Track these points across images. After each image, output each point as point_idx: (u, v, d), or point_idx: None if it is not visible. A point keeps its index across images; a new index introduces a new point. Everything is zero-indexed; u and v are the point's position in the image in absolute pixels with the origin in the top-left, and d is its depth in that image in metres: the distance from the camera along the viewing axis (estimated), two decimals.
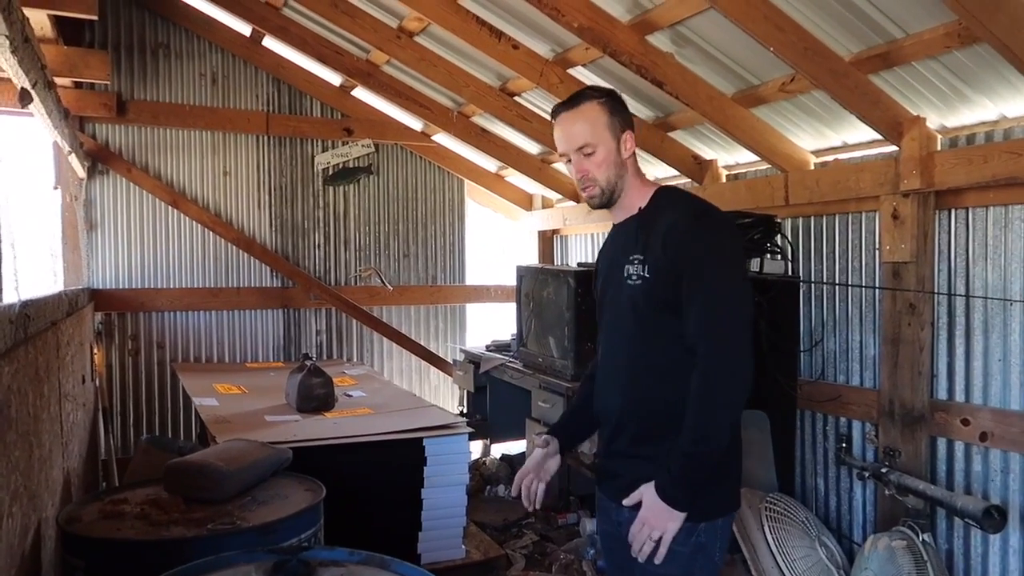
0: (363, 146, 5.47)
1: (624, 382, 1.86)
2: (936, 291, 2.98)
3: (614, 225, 1.95)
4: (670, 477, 1.70)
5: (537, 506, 1.97)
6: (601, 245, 2.08)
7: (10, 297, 1.97)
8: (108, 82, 4.38)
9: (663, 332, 1.77)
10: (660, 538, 1.70)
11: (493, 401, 5.01)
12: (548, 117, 4.42)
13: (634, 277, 1.79)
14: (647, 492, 1.73)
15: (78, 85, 4.51)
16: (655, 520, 1.70)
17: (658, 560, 1.71)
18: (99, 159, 4.78)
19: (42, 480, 2.08)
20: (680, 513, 1.69)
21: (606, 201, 1.86)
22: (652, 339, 1.80)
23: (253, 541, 1.99)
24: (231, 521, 2.12)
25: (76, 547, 2.01)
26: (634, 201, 1.86)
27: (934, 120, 2.95)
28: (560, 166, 5.29)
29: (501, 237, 6.39)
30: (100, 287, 4.78)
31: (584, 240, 5.62)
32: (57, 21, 3.66)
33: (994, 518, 2.48)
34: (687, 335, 1.71)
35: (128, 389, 4.87)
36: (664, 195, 1.87)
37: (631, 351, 1.84)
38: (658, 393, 1.79)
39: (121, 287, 4.85)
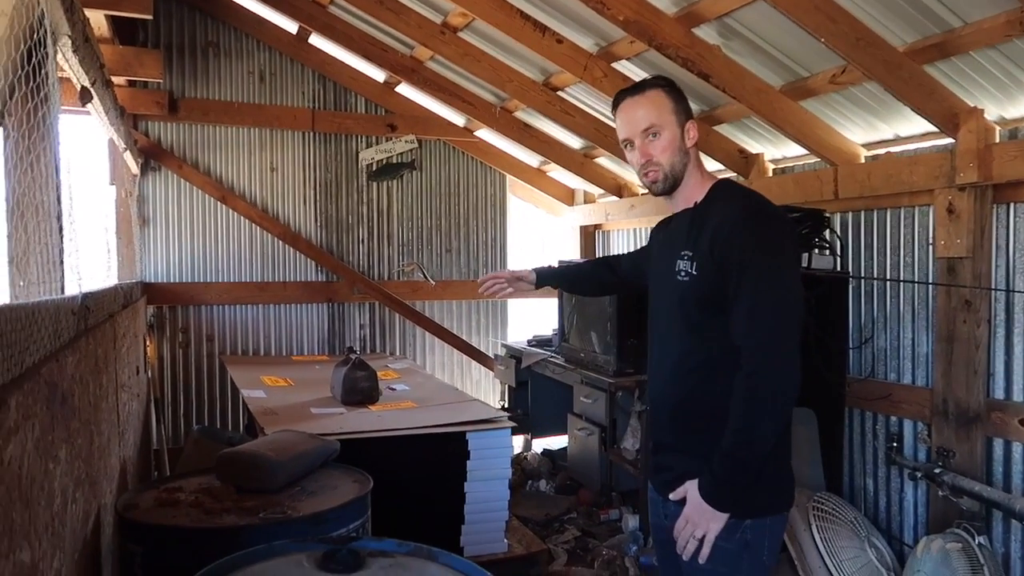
0: (406, 142, 5.52)
1: (671, 376, 1.85)
2: (994, 287, 2.90)
3: (675, 214, 1.94)
4: (712, 477, 1.68)
5: (486, 294, 2.46)
6: (646, 239, 2.08)
7: (72, 290, 2.03)
8: (161, 80, 4.49)
9: (710, 329, 1.75)
10: (704, 537, 1.69)
11: (535, 396, 5.03)
12: (591, 112, 4.43)
13: (682, 273, 1.78)
14: (691, 490, 1.72)
15: (132, 83, 4.62)
16: (698, 519, 1.70)
17: (702, 559, 1.71)
18: (152, 156, 4.91)
19: (101, 468, 2.14)
20: (722, 513, 1.68)
21: (669, 187, 1.84)
22: (699, 335, 1.78)
23: (303, 530, 2.02)
24: (282, 511, 2.16)
25: (134, 533, 2.07)
26: (692, 194, 1.85)
27: (992, 111, 2.86)
28: (603, 160, 5.26)
29: (543, 232, 6.38)
30: (152, 281, 4.90)
31: (627, 235, 5.59)
32: (112, 21, 3.76)
33: None
34: (733, 334, 1.69)
35: (179, 380, 5.00)
36: (720, 190, 1.85)
37: (678, 346, 1.83)
38: (704, 388, 1.78)
39: (172, 281, 4.97)
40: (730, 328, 1.70)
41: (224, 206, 5.08)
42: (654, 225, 2.09)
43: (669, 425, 1.87)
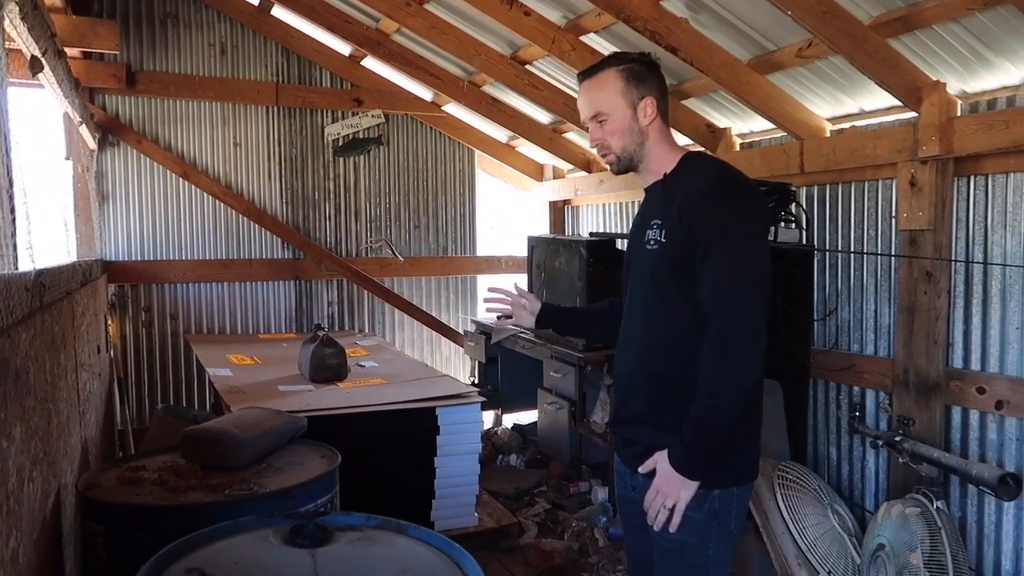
0: (373, 116, 5.44)
1: (638, 347, 1.86)
2: (953, 259, 2.95)
3: (645, 190, 1.95)
4: (683, 446, 1.70)
5: (490, 310, 2.22)
6: (615, 214, 2.07)
7: (26, 266, 1.98)
8: (117, 52, 4.36)
9: (679, 298, 1.75)
10: (674, 507, 1.71)
11: (504, 371, 5.04)
12: (560, 86, 4.40)
13: (652, 242, 1.79)
14: (661, 460, 1.74)
15: (87, 56, 4.48)
16: (668, 488, 1.72)
17: (673, 529, 1.73)
18: (109, 130, 4.77)
19: (61, 447, 2.10)
20: (693, 482, 1.70)
21: (624, 167, 1.88)
22: (667, 305, 1.78)
23: (270, 506, 2.01)
24: (248, 487, 2.14)
25: (96, 512, 2.04)
26: (661, 166, 1.85)
27: (954, 85, 2.89)
28: (572, 135, 5.24)
29: (512, 208, 6.36)
30: (113, 259, 4.79)
31: (595, 210, 5.59)
32: None
33: (1009, 486, 2.47)
34: (700, 301, 1.70)
35: (142, 360, 4.91)
36: (690, 161, 1.86)
37: (646, 316, 1.84)
38: (671, 359, 1.78)
39: (134, 259, 4.87)
40: (697, 295, 1.71)
41: (186, 182, 4.97)
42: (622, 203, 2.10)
43: (639, 397, 1.86)
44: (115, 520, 2.00)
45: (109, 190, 4.81)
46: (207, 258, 5.05)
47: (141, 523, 1.98)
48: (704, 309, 1.70)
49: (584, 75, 1.87)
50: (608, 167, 1.91)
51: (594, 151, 1.95)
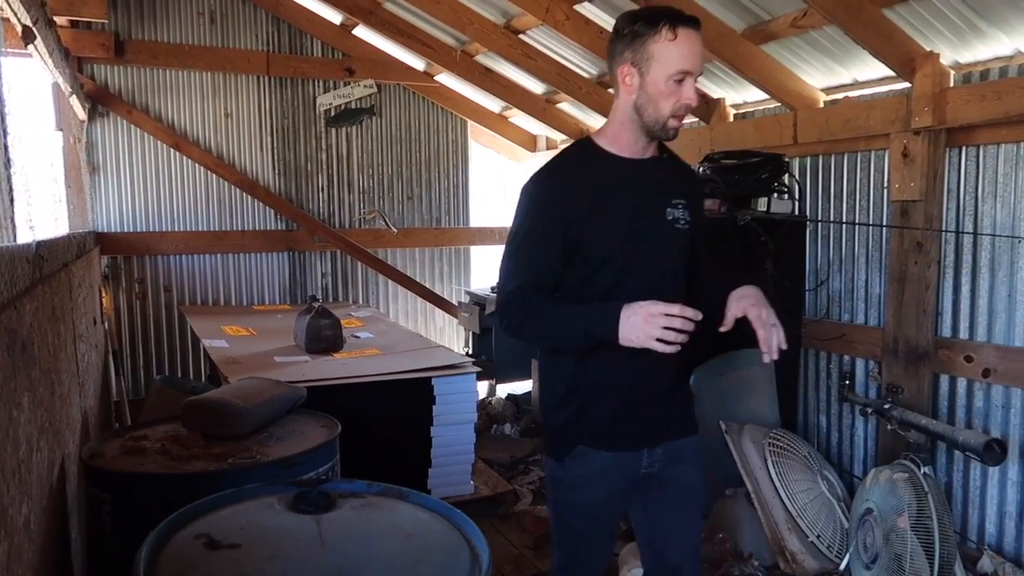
0: (365, 87, 5.40)
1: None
2: (944, 229, 2.99)
3: (636, 160, 1.75)
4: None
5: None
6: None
7: (24, 238, 1.98)
8: (105, 20, 4.30)
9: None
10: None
11: (499, 342, 5.06)
12: (553, 56, 4.36)
13: (682, 222, 1.78)
14: (741, 291, 1.67)
15: (74, 24, 4.42)
16: (764, 300, 1.67)
17: (784, 345, 1.65)
18: (99, 101, 4.73)
19: (63, 417, 2.11)
20: None
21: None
22: (684, 282, 1.84)
23: (273, 474, 2.03)
24: (251, 456, 2.16)
25: (101, 481, 2.06)
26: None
27: (948, 56, 2.90)
28: (565, 106, 5.21)
29: (505, 179, 6.34)
30: (105, 231, 4.78)
31: None
32: None
33: (995, 451, 2.53)
34: (700, 258, 1.87)
35: (137, 331, 4.92)
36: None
37: (680, 297, 1.68)
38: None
39: (126, 231, 4.85)
40: (697, 252, 1.86)
41: (178, 153, 4.93)
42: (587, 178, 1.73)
43: (667, 377, 1.78)
44: (120, 488, 2.03)
45: (100, 161, 4.77)
46: (200, 229, 5.03)
47: (146, 491, 2.00)
48: (703, 259, 1.88)
49: (695, 24, 1.65)
50: (671, 132, 1.70)
51: (595, 116, 1.93)
